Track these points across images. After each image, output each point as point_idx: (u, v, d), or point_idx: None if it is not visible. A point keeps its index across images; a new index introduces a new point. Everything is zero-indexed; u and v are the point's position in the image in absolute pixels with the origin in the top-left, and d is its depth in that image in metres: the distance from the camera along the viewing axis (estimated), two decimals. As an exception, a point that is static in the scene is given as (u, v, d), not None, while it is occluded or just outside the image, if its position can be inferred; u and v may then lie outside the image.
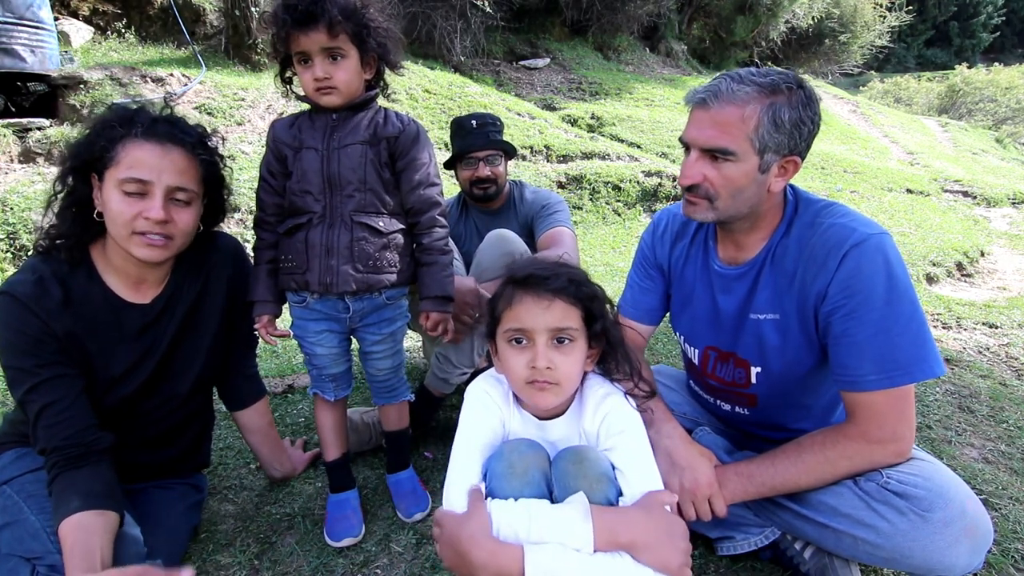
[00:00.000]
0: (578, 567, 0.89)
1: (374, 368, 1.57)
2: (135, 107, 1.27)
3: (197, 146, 1.27)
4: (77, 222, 1.24)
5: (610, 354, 1.13)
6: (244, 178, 3.79)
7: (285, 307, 1.49)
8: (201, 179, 1.28)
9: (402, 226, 1.45)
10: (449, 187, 5.08)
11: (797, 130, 1.14)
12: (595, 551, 0.92)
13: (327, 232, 1.37)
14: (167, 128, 1.23)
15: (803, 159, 1.20)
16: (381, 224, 1.40)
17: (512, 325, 1.05)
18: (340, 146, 1.37)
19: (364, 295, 1.43)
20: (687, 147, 1.22)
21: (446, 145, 5.72)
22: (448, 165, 2.21)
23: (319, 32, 1.28)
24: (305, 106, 1.44)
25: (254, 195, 1.48)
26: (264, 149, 1.47)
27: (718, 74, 1.21)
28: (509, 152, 2.18)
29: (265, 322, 1.44)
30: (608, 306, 1.11)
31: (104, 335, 1.28)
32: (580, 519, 0.93)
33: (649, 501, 0.98)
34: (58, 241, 1.24)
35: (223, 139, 1.39)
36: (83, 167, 1.22)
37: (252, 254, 1.46)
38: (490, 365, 1.20)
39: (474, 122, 2.11)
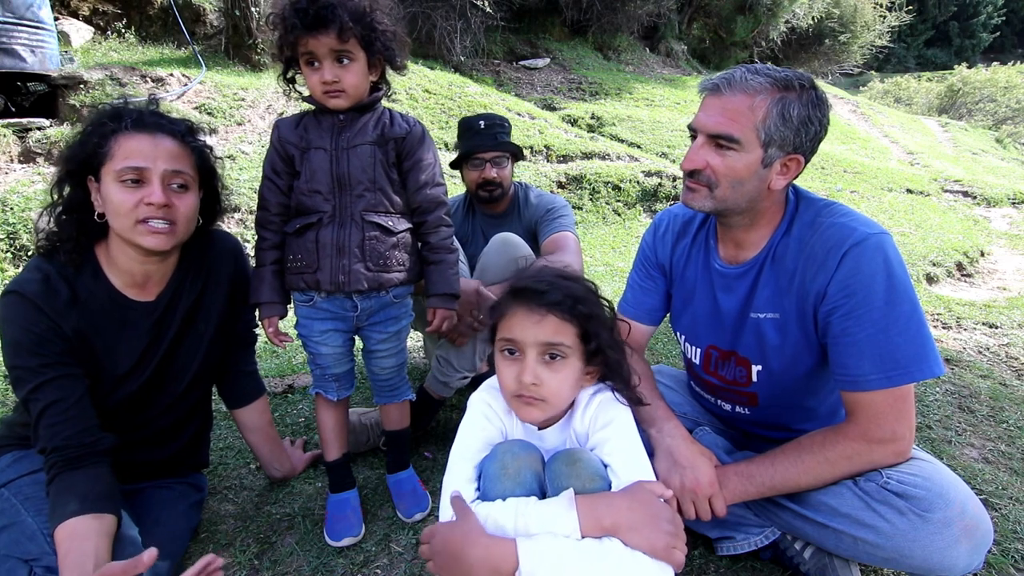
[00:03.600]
0: (570, 552, 0.89)
1: (378, 367, 1.57)
2: (120, 104, 1.28)
3: (186, 134, 1.28)
4: (75, 226, 1.25)
5: (608, 376, 1.12)
6: (244, 178, 3.79)
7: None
8: (195, 166, 1.29)
9: (409, 225, 1.47)
10: (451, 188, 5.07)
11: (804, 128, 1.15)
12: (582, 537, 0.92)
13: (338, 231, 1.38)
14: (155, 119, 1.25)
15: (807, 160, 1.20)
16: (390, 223, 1.42)
17: (505, 335, 1.04)
18: (349, 146, 1.38)
19: (372, 293, 1.43)
20: (694, 134, 1.22)
21: (447, 145, 5.72)
22: (454, 165, 2.21)
23: (329, 36, 1.28)
24: (306, 106, 1.44)
25: (255, 195, 1.49)
26: (265, 148, 1.47)
27: (737, 66, 1.21)
28: (516, 154, 2.18)
29: (276, 324, 1.44)
30: (610, 329, 1.08)
31: (110, 333, 1.28)
32: (564, 509, 0.93)
33: (635, 487, 0.98)
34: (58, 244, 1.25)
35: (213, 131, 1.40)
36: (78, 169, 1.23)
37: (253, 255, 1.46)
38: (491, 371, 1.20)
39: (482, 123, 2.11)
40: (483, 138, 2.09)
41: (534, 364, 1.01)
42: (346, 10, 1.28)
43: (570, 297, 1.02)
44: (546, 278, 1.05)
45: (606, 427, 1.06)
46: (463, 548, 0.91)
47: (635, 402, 1.13)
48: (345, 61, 1.33)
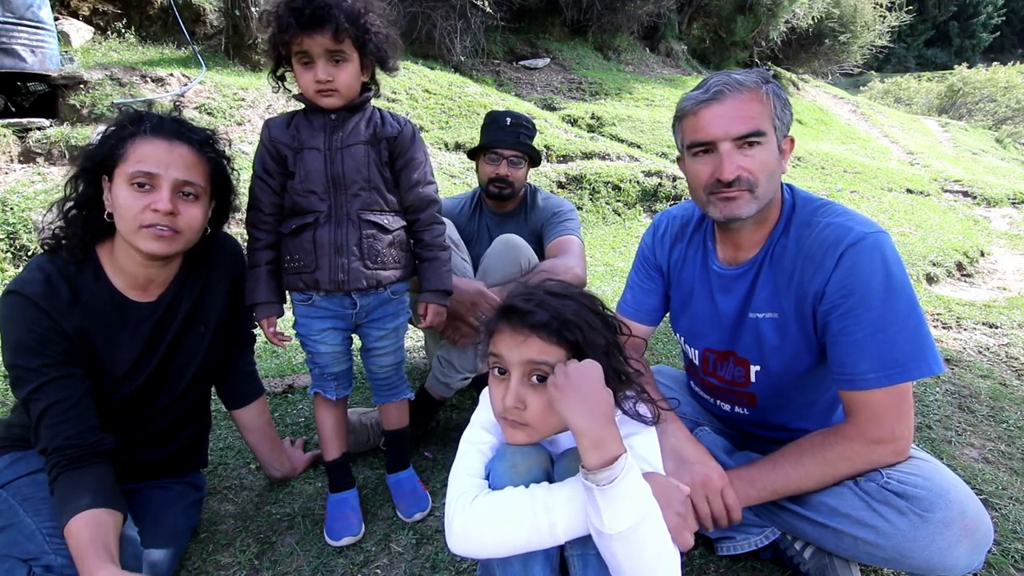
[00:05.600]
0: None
1: (376, 365, 1.58)
2: (144, 108, 1.29)
3: (204, 144, 1.29)
4: (82, 223, 1.25)
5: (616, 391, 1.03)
6: (244, 178, 3.78)
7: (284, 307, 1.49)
8: (208, 176, 1.29)
9: (403, 223, 1.48)
10: (449, 188, 5.07)
11: (790, 109, 1.23)
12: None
13: (335, 231, 1.39)
14: (174, 126, 1.25)
15: None
16: (386, 221, 1.43)
17: (492, 351, 1.01)
18: (343, 146, 1.39)
19: (371, 291, 1.44)
20: (707, 147, 1.20)
21: (446, 145, 5.72)
22: (471, 155, 2.21)
23: (325, 36, 1.29)
24: (297, 105, 1.44)
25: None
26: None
27: (707, 77, 1.23)
28: (534, 159, 2.18)
29: (275, 324, 1.44)
30: (605, 353, 0.98)
31: (111, 333, 1.28)
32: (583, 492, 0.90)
33: (647, 475, 0.95)
34: (63, 241, 1.25)
35: (229, 142, 1.40)
36: (94, 168, 1.24)
37: (247, 255, 1.46)
38: None
39: (509, 119, 2.12)
40: (505, 135, 2.10)
41: (517, 386, 0.96)
42: (342, 11, 1.29)
43: (557, 319, 0.95)
44: (536, 297, 0.99)
45: (628, 437, 1.04)
46: (599, 388, 0.89)
47: (652, 420, 1.08)
48: (339, 61, 1.34)
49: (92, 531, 1.07)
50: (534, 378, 0.96)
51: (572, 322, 0.95)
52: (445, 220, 1.58)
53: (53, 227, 1.26)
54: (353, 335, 1.56)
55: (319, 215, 1.39)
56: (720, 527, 1.19)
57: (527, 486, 0.95)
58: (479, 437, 1.08)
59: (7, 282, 1.25)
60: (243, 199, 1.47)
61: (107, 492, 1.15)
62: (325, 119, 1.40)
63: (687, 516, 0.95)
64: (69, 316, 1.21)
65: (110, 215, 1.23)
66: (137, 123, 1.23)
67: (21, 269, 1.30)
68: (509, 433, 1.01)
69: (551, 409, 0.95)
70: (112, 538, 1.09)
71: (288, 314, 1.50)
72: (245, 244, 1.48)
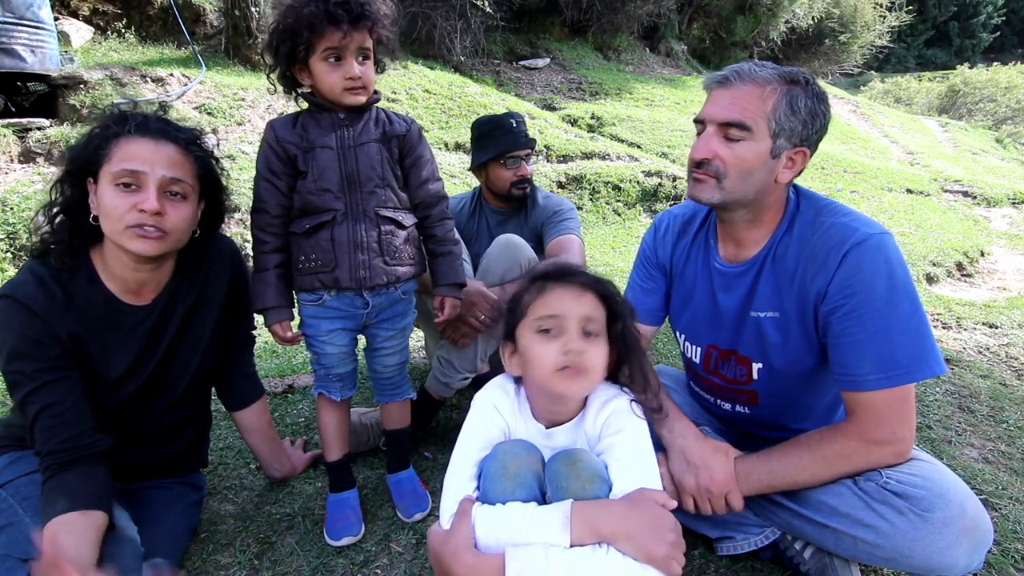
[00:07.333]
0: (559, 566, 0.89)
1: (381, 365, 1.58)
2: (128, 108, 1.27)
3: (190, 143, 1.27)
4: (69, 228, 1.24)
5: (625, 361, 1.12)
6: (244, 178, 3.78)
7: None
8: (196, 175, 1.27)
9: (415, 220, 1.50)
10: (450, 188, 5.06)
11: (811, 120, 1.16)
12: (575, 544, 0.92)
13: (353, 228, 1.39)
14: (160, 125, 1.24)
15: (812, 154, 1.21)
16: (400, 217, 1.45)
17: (543, 313, 1.04)
18: (356, 144, 1.39)
19: (382, 290, 1.45)
20: (701, 127, 1.22)
21: (446, 145, 5.72)
22: (480, 165, 2.15)
23: (362, 33, 1.32)
24: (295, 106, 1.45)
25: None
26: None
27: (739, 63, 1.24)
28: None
29: (288, 327, 1.43)
30: (627, 313, 1.11)
31: (105, 336, 1.27)
32: (559, 525, 0.92)
33: (636, 494, 0.97)
34: (52, 247, 1.23)
35: (218, 142, 1.39)
36: (78, 170, 1.22)
37: (253, 259, 1.44)
38: (492, 372, 1.20)
39: (514, 121, 2.12)
40: (517, 136, 2.10)
41: (577, 336, 1.03)
42: (376, 11, 1.34)
43: (598, 280, 1.08)
44: (573, 265, 1.12)
45: (618, 433, 1.06)
46: (451, 565, 0.92)
47: (654, 410, 1.14)
48: (365, 59, 1.37)
49: (56, 539, 1.05)
50: (582, 332, 1.04)
51: (608, 283, 1.10)
52: None
53: (41, 232, 1.24)
54: (359, 335, 1.56)
55: (336, 213, 1.38)
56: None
57: (515, 495, 0.98)
58: (494, 396, 1.13)
59: (7, 282, 1.25)
60: (244, 199, 1.47)
61: (86, 493, 1.13)
62: (333, 118, 1.39)
63: (677, 543, 0.95)
64: (62, 320, 1.20)
65: (95, 218, 1.21)
66: (121, 123, 1.20)
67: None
68: (566, 385, 1.04)
69: (602, 359, 1.06)
70: (79, 540, 1.06)
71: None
72: (245, 246, 1.47)
